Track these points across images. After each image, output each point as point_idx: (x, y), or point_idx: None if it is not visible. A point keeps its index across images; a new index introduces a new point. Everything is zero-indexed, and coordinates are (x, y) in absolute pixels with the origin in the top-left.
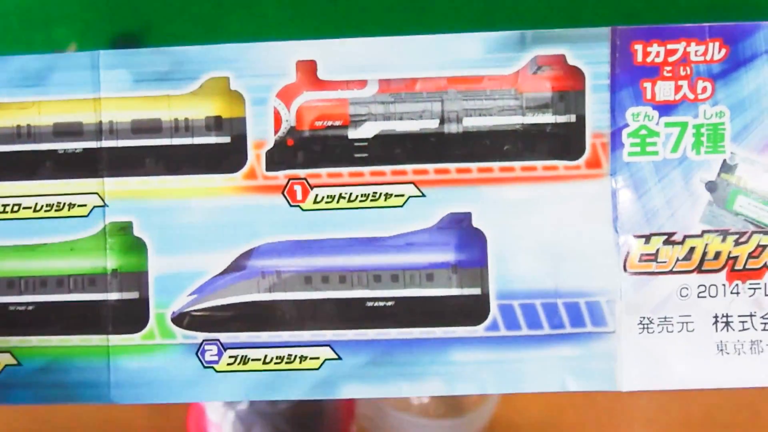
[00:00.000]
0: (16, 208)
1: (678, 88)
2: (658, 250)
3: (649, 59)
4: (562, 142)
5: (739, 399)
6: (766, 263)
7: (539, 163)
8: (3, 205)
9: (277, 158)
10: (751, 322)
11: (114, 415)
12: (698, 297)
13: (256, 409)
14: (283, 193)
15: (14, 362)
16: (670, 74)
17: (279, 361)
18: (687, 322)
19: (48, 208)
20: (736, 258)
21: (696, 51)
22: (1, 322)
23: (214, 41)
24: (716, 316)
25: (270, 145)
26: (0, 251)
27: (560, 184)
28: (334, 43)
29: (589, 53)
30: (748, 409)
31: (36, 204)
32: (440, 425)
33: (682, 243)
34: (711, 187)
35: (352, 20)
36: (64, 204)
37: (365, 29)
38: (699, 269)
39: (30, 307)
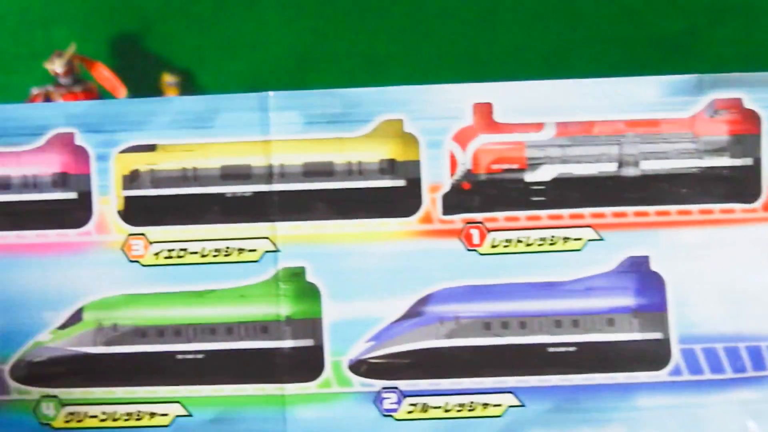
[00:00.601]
0: (182, 253)
1: None
2: None
3: None
4: (739, 185)
5: None
6: None
7: (716, 206)
8: (168, 251)
9: (453, 202)
10: None
11: None
12: None
13: None
14: (459, 238)
15: (184, 413)
16: None
17: (460, 408)
18: None
19: (216, 254)
20: None
21: None
22: (170, 372)
23: (215, 41)
24: None
25: (446, 188)
26: (166, 298)
27: (738, 227)
28: (511, 86)
29: (766, 97)
30: None
31: (203, 249)
32: None
33: None
34: None
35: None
36: (233, 249)
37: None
38: None
39: (199, 356)
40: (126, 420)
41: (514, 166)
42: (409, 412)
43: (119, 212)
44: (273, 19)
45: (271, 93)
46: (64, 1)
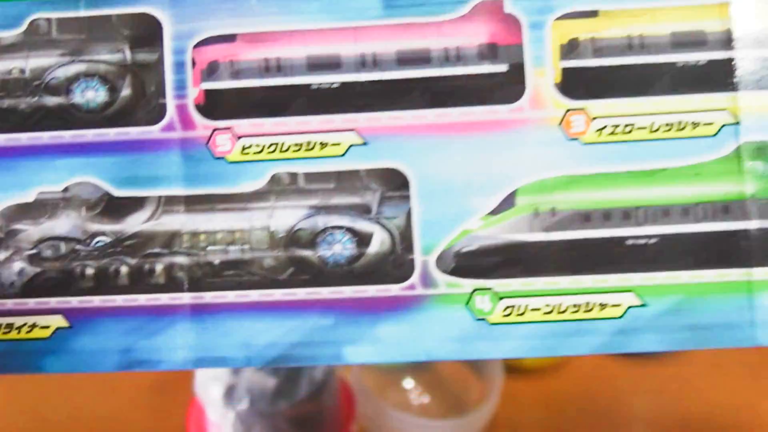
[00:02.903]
0: (628, 128)
1: None
2: None
3: None
4: None
5: (739, 399)
6: None
7: None
8: (613, 126)
9: None
10: None
11: (114, 415)
12: None
13: (256, 410)
14: None
15: (638, 303)
16: None
17: None
18: None
19: (667, 128)
20: None
21: None
22: (619, 258)
23: None
24: None
25: None
26: (611, 178)
27: None
28: None
29: None
30: (748, 409)
31: (652, 124)
32: (440, 425)
33: None
34: None
35: None
36: (687, 123)
37: None
38: None
39: (651, 240)
40: (574, 312)
41: None
42: None
43: (556, 85)
44: None
45: None
46: None
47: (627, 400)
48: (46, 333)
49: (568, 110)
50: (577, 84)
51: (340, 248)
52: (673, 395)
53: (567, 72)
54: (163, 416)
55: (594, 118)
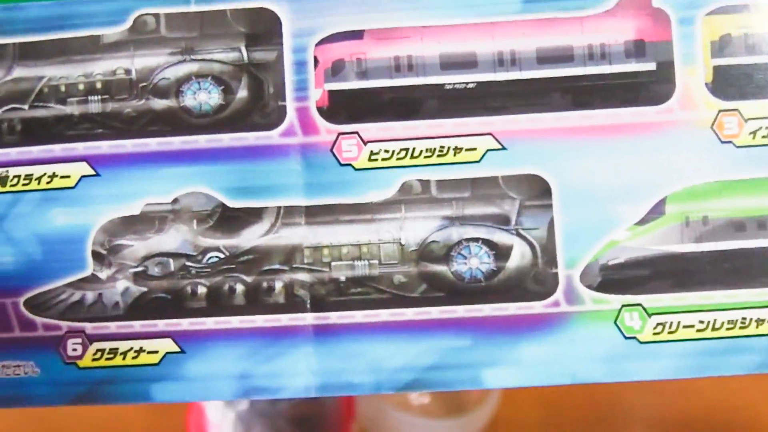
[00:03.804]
0: None
1: None
2: None
3: None
4: None
5: (739, 399)
6: None
7: None
8: None
9: None
10: None
11: (114, 416)
12: None
13: (256, 409)
14: None
15: None
16: None
17: None
18: None
19: None
20: None
21: None
22: None
23: None
24: None
25: None
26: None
27: None
28: None
29: None
30: (748, 409)
31: None
32: (440, 425)
33: None
34: None
35: None
36: None
37: None
38: None
39: None
40: (729, 329)
41: None
42: None
43: (707, 84)
44: None
45: None
46: None
47: (627, 400)
48: (155, 359)
49: (720, 111)
50: (730, 83)
51: (477, 262)
52: (673, 395)
53: (719, 70)
54: (163, 416)
55: (747, 120)
